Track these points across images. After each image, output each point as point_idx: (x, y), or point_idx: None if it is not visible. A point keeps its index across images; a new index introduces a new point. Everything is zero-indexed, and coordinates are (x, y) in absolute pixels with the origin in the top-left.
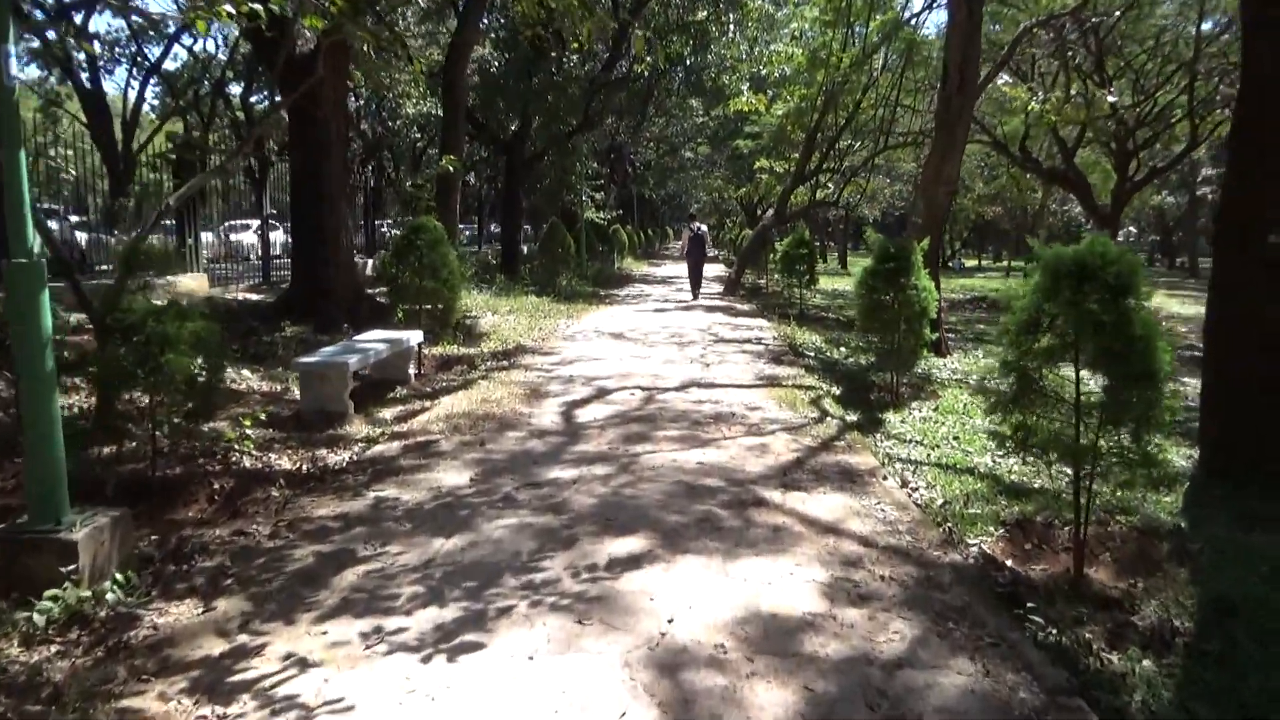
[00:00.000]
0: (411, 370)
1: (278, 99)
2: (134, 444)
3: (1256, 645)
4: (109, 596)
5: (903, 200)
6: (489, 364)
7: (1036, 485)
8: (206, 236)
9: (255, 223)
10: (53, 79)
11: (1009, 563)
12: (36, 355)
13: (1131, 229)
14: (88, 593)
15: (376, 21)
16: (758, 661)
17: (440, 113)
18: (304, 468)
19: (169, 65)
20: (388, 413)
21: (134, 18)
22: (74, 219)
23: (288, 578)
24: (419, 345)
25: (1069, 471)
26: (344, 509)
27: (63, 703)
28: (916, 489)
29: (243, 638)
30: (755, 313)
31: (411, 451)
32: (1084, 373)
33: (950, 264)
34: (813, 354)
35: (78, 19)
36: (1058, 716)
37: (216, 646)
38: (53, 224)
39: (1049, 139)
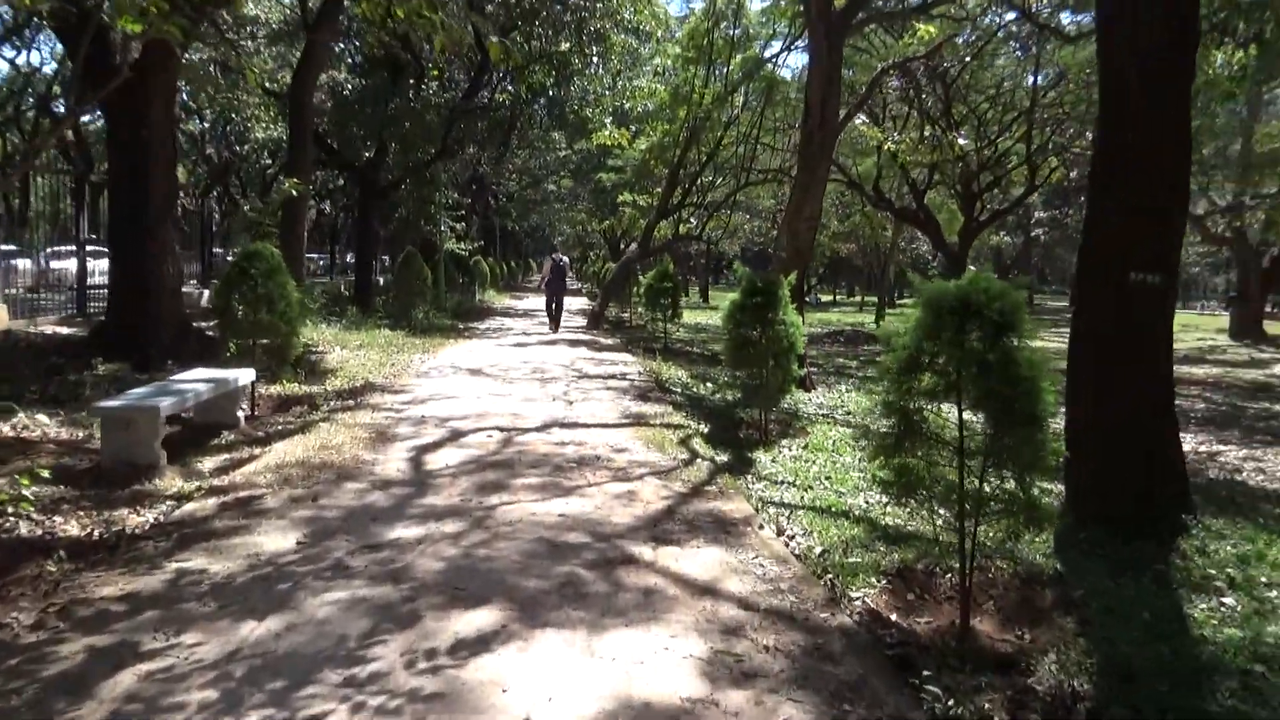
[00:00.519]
0: (242, 413)
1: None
2: None
3: (1159, 717)
4: None
5: (761, 236)
6: (332, 404)
7: (911, 529)
8: (23, 263)
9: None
10: None
11: (894, 617)
12: None
13: (972, 267)
14: None
15: (217, 37)
16: None
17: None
18: (95, 534)
19: None
20: (209, 463)
21: None
22: None
23: (42, 686)
24: (251, 384)
25: (948, 515)
26: (135, 586)
27: None
28: (794, 537)
29: None
30: (620, 347)
31: (230, 510)
32: (967, 414)
33: (808, 299)
34: (679, 390)
35: None
36: None
37: None
38: None
39: (900, 180)
